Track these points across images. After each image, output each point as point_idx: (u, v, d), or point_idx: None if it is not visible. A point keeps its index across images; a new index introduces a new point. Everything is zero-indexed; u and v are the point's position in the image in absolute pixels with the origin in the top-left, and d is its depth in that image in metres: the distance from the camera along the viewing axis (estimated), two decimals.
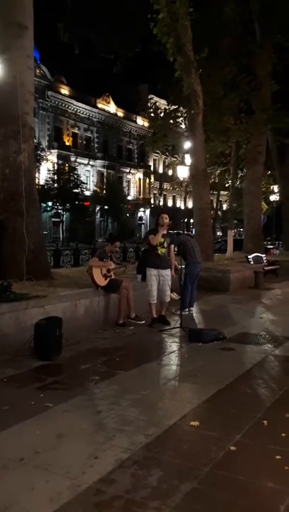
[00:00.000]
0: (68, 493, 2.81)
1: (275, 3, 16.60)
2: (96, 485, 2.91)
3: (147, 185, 63.33)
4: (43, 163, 42.37)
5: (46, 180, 43.40)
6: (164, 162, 61.24)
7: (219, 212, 46.67)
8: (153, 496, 2.79)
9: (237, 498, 2.81)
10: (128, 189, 59.99)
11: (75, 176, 45.77)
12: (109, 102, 57.47)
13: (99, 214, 53.55)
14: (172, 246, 8.18)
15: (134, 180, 62.25)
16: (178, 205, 63.77)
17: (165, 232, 7.86)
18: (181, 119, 18.81)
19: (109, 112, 57.36)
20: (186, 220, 30.82)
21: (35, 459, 3.24)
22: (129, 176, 61.49)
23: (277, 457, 3.29)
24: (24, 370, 5.32)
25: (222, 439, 3.57)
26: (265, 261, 15.34)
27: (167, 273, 7.85)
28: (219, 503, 2.75)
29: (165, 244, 7.84)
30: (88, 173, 53.65)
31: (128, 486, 2.90)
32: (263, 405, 4.31)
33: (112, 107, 57.93)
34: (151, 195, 64.27)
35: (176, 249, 8.50)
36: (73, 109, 52.21)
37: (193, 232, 16.39)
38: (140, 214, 62.88)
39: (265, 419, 3.93)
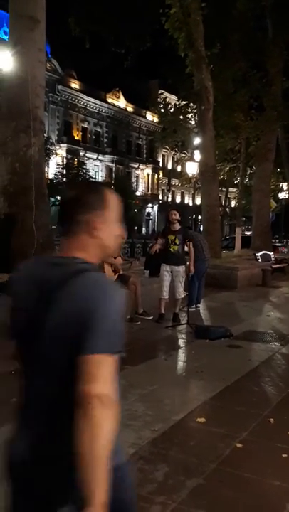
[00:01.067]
0: None
1: None
2: None
3: (156, 181, 63.19)
4: (52, 158, 42.38)
5: (55, 175, 43.42)
6: (172, 158, 61.09)
7: (227, 209, 46.50)
8: (159, 491, 2.80)
9: (242, 496, 2.81)
10: (136, 184, 59.89)
11: (84, 171, 45.77)
12: (119, 97, 57.34)
13: None
14: (188, 242, 8.04)
15: (142, 175, 62.14)
16: (186, 202, 63.63)
17: (176, 228, 7.82)
18: (191, 114, 18.72)
19: (118, 107, 57.23)
20: (194, 217, 30.73)
21: None
22: (138, 172, 61.38)
23: (284, 455, 3.28)
24: None
25: (228, 436, 3.57)
26: (273, 259, 15.29)
27: (179, 269, 7.83)
28: (225, 500, 2.76)
29: (177, 241, 7.78)
30: (97, 168, 53.64)
31: (134, 481, 2.90)
32: (270, 403, 4.30)
33: (121, 102, 57.80)
34: (160, 191, 64.13)
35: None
36: (83, 104, 52.15)
37: (201, 228, 16.34)
38: (148, 210, 62.78)
39: (272, 417, 3.93)
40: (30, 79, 8.25)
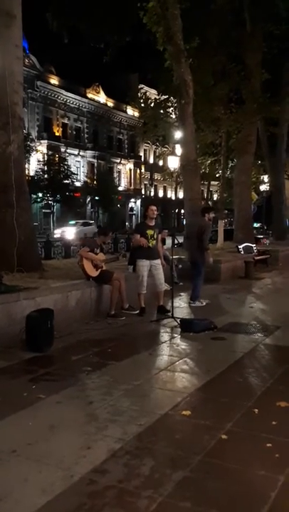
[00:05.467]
0: (61, 483, 2.83)
1: None
2: (89, 475, 2.93)
3: (138, 176, 63.14)
4: (32, 154, 42.00)
5: (36, 171, 43.07)
6: (154, 152, 61.08)
7: (210, 203, 46.68)
8: (145, 485, 2.81)
9: (229, 486, 2.85)
10: (119, 180, 59.73)
11: (66, 167, 45.45)
12: (99, 92, 57.03)
13: (90, 205, 53.36)
14: (160, 236, 8.23)
15: (124, 170, 62.01)
16: (169, 196, 63.71)
17: (153, 223, 7.92)
18: (172, 109, 18.70)
19: (99, 102, 56.93)
20: (176, 211, 30.78)
21: (28, 451, 3.25)
22: (120, 167, 61.23)
23: (268, 445, 3.33)
24: (16, 362, 5.32)
25: (213, 427, 3.60)
26: (255, 251, 15.41)
27: (158, 262, 7.95)
28: (211, 491, 2.78)
29: (155, 236, 7.88)
30: (78, 164, 53.33)
31: (121, 476, 2.92)
32: (254, 394, 4.35)
33: (102, 97, 57.50)
34: (142, 186, 64.11)
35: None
36: (63, 99, 51.75)
37: (184, 222, 16.39)
38: (131, 205, 62.72)
39: (256, 408, 3.97)
40: (8, 75, 8.15)
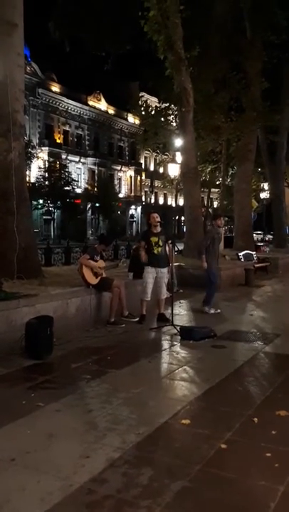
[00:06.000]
0: (59, 493, 2.81)
1: (264, 0, 16.63)
2: (87, 485, 2.91)
3: (138, 183, 63.26)
4: (33, 161, 42.14)
5: (37, 178, 43.17)
6: (155, 160, 61.16)
7: (210, 210, 46.75)
8: (144, 495, 2.80)
9: (228, 496, 2.83)
10: (119, 187, 59.84)
11: (66, 174, 45.58)
12: (100, 100, 57.27)
13: (90, 212, 53.42)
14: (170, 243, 8.16)
15: (125, 177, 62.14)
16: (169, 203, 63.76)
17: (158, 230, 7.91)
18: (172, 116, 18.80)
19: (100, 110, 57.16)
20: (177, 218, 30.82)
21: (27, 459, 3.23)
22: (121, 174, 61.37)
23: (268, 454, 3.31)
24: (15, 370, 5.31)
25: (213, 437, 3.59)
26: (255, 258, 15.41)
27: (164, 271, 7.91)
28: (210, 502, 2.77)
29: (160, 243, 7.86)
30: (79, 171, 53.45)
31: (119, 486, 2.91)
32: (254, 403, 4.34)
33: (102, 105, 57.74)
34: (143, 193, 64.21)
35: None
36: (64, 107, 51.97)
37: (184, 229, 16.42)
38: (131, 211, 62.78)
39: (256, 417, 3.96)
40: (10, 83, 8.19)
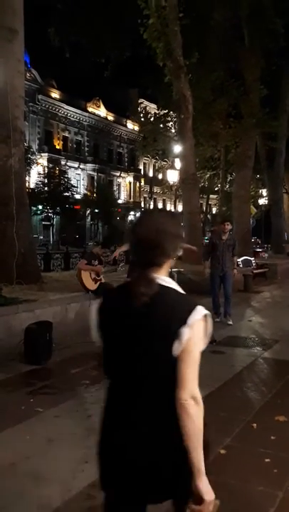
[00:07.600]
0: (59, 498, 2.81)
1: (262, 8, 16.76)
2: (87, 490, 2.91)
3: (137, 189, 63.36)
4: (33, 167, 42.20)
5: (36, 184, 43.20)
6: (154, 166, 61.28)
7: (209, 216, 46.83)
8: None
9: (227, 502, 2.82)
10: (118, 193, 59.94)
11: (66, 180, 45.63)
12: (99, 106, 57.47)
13: (89, 217, 53.45)
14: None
15: (124, 183, 62.25)
16: (168, 209, 63.84)
17: None
18: (171, 123, 18.89)
19: (99, 116, 57.34)
20: None
21: (26, 465, 3.23)
22: (120, 180, 61.47)
23: (267, 460, 3.31)
24: (14, 375, 5.31)
25: (212, 442, 3.57)
26: (254, 264, 15.42)
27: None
28: None
29: None
30: (79, 177, 53.54)
31: None
32: (253, 408, 4.34)
33: (102, 111, 57.93)
34: (142, 199, 64.28)
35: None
36: (64, 113, 52.13)
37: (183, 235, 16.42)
38: (131, 217, 62.81)
39: (255, 422, 3.96)
40: (10, 90, 8.25)
